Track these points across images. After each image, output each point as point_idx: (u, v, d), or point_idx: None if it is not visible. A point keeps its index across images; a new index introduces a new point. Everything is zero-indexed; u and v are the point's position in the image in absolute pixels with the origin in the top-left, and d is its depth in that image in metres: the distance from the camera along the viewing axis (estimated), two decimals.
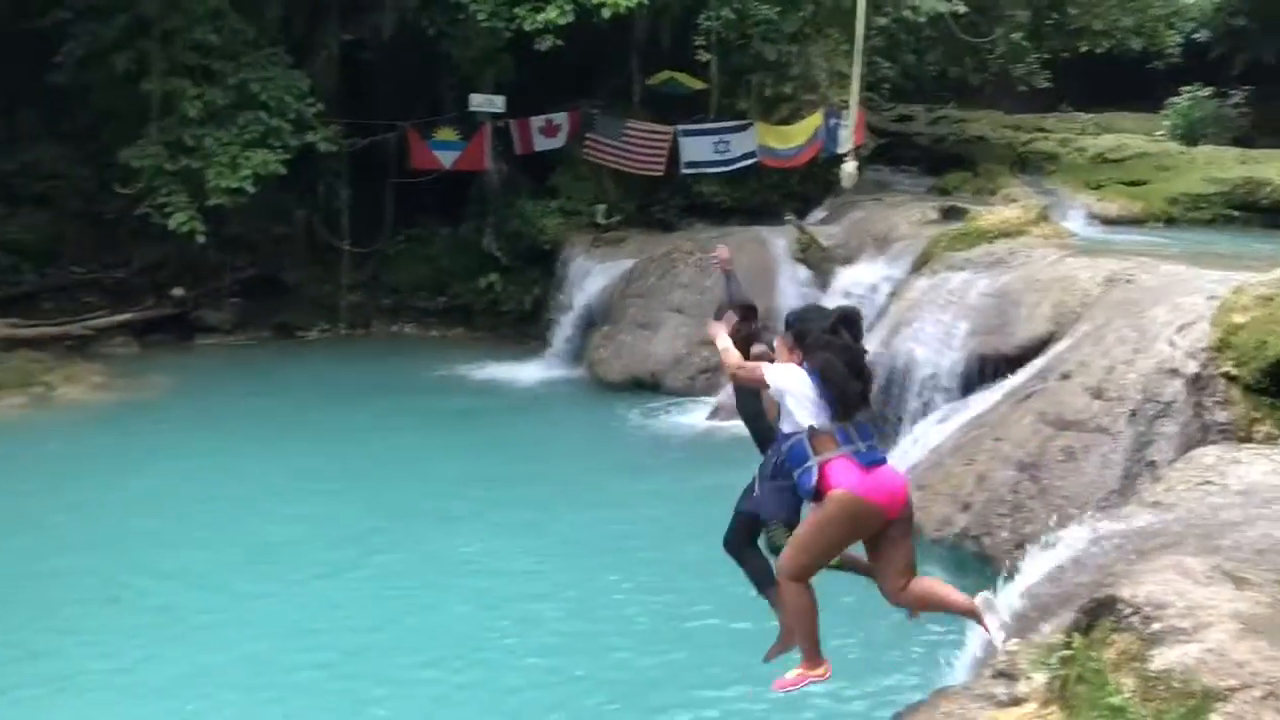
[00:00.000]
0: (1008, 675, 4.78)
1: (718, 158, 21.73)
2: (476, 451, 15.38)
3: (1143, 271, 13.30)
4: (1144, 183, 23.26)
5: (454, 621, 9.98)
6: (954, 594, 5.27)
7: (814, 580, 5.21)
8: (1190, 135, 26.67)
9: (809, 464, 4.67)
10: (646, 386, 18.38)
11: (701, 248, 19.85)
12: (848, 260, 17.95)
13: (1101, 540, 8.18)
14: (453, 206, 22.85)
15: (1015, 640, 5.22)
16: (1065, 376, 11.79)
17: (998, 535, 11.02)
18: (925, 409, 14.14)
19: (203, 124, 19.41)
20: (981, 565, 10.89)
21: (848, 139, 20.58)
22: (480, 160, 22.40)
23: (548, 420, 17.56)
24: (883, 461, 4.76)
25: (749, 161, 21.72)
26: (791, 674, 5.22)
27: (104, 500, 12.96)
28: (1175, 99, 27.68)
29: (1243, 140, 26.31)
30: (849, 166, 20.01)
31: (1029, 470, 11.16)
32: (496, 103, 21.90)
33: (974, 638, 8.46)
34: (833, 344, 4.78)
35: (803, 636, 5.22)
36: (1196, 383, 10.53)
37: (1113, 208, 22.13)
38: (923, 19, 23.42)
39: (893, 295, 16.28)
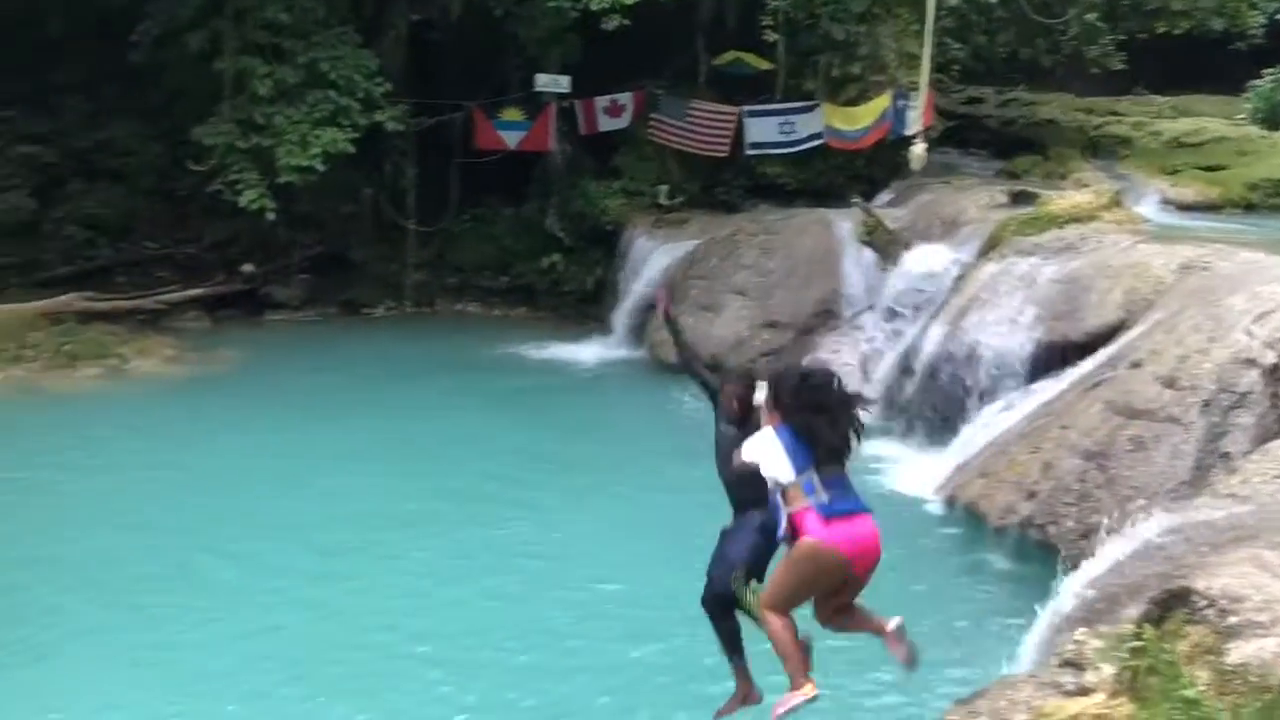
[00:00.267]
0: (1075, 665, 4.71)
1: (783, 139, 21.57)
2: (535, 432, 15.47)
3: (1219, 258, 13.00)
4: (1222, 168, 22.68)
5: (511, 604, 10.06)
6: (874, 618, 5.59)
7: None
8: (1272, 119, 25.90)
9: (780, 514, 4.90)
10: (708, 368, 18.28)
11: (766, 230, 19.77)
12: (914, 244, 17.72)
13: (1172, 531, 8.03)
14: (517, 186, 22.95)
15: (1083, 630, 5.15)
16: (1136, 365, 11.58)
17: (1063, 524, 10.87)
18: (990, 395, 13.97)
19: (273, 102, 19.67)
20: (1044, 554, 10.75)
21: (916, 121, 20.29)
22: (545, 140, 22.46)
23: (607, 401, 17.63)
24: (852, 511, 4.91)
25: (815, 143, 21.52)
26: (783, 697, 5.47)
27: (172, 475, 13.25)
28: (1257, 81, 26.90)
29: None
30: (917, 149, 19.73)
31: (1096, 459, 10.98)
32: (562, 83, 21.93)
33: (1039, 626, 8.41)
34: (795, 403, 4.97)
35: (786, 662, 5.40)
36: (1274, 373, 10.29)
37: (1189, 193, 21.61)
38: None
39: (959, 280, 16.07)
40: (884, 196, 21.39)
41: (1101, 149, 25.04)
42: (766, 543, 5.45)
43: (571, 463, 14.10)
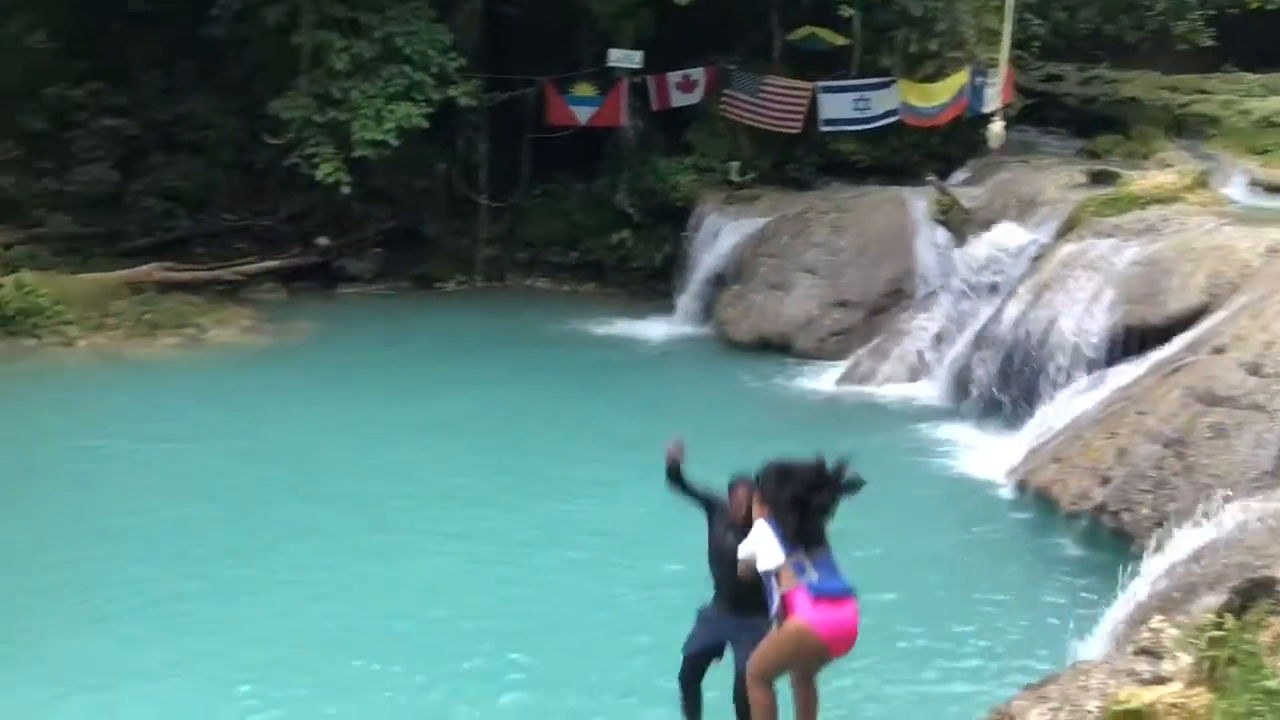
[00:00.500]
0: (1152, 653, 4.62)
1: (858, 115, 21.30)
2: (602, 408, 15.50)
3: None
4: None
5: (575, 580, 10.08)
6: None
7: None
8: None
9: (774, 595, 5.25)
10: (775, 347, 18.23)
11: (838, 207, 19.56)
12: (990, 223, 17.42)
13: (1254, 521, 7.83)
14: (588, 162, 22.97)
15: (1160, 618, 5.03)
16: (1218, 350, 11.28)
17: (1138, 511, 10.64)
18: (1065, 379, 13.72)
19: (349, 77, 19.88)
20: (1117, 541, 10.56)
21: (994, 98, 19.90)
22: (616, 116, 22.43)
23: (673, 379, 17.59)
24: (840, 594, 5.21)
25: (890, 120, 21.23)
26: None
27: (245, 446, 13.51)
28: None
29: None
30: (995, 127, 19.36)
31: (1174, 446, 10.73)
32: (634, 58, 21.86)
33: (1113, 614, 8.26)
34: (779, 495, 5.45)
35: None
36: None
37: (1278, 174, 20.92)
38: None
39: (1036, 261, 15.77)
40: (960, 175, 21.04)
41: (1187, 128, 24.31)
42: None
43: (637, 439, 14.03)
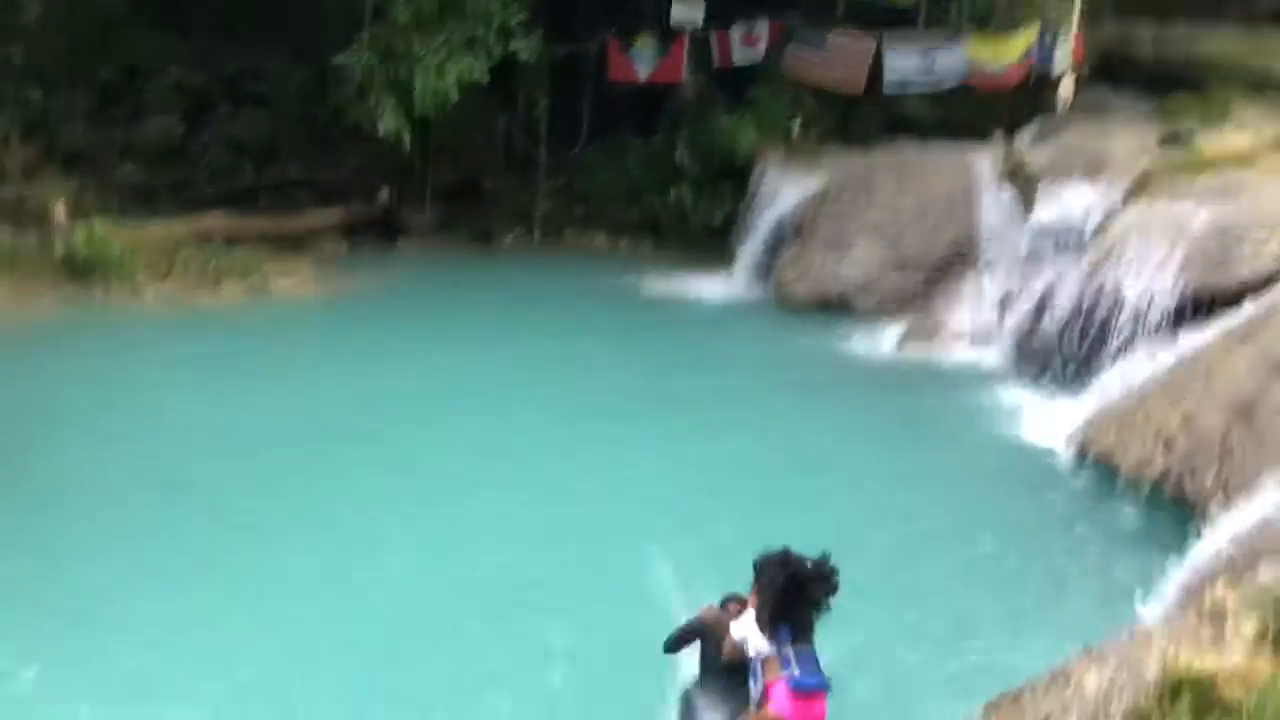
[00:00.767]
0: (1214, 619, 4.57)
1: (923, 73, 20.91)
2: (656, 365, 15.51)
3: None
4: None
5: (626, 535, 10.02)
6: None
7: None
8: None
9: (759, 681, 5.55)
10: (834, 308, 18.09)
11: (901, 167, 19.29)
12: (1057, 185, 17.07)
13: None
14: (648, 118, 22.83)
15: (1224, 584, 4.98)
16: None
17: (1201, 479, 10.49)
18: (1130, 344, 13.50)
19: (412, 30, 19.88)
20: (1179, 509, 10.44)
21: (1065, 57, 19.46)
22: (677, 72, 22.23)
23: (729, 338, 17.53)
24: (815, 690, 5.39)
25: (956, 78, 20.81)
26: None
27: (303, 396, 13.72)
28: None
29: None
30: (1065, 85, 18.95)
31: (1242, 414, 10.55)
32: (697, 14, 21.62)
33: (1173, 581, 8.18)
34: (769, 590, 5.66)
35: None
36: None
37: None
38: None
39: (1104, 223, 15.45)
40: (1027, 135, 20.59)
41: (1269, 88, 23.55)
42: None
43: (690, 397, 14.13)
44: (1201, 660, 4.03)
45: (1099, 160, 17.19)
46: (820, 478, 11.61)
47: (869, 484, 11.40)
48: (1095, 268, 14.37)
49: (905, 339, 16.70)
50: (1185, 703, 3.79)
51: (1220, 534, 8.40)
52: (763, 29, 21.89)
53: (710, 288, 19.88)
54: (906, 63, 20.92)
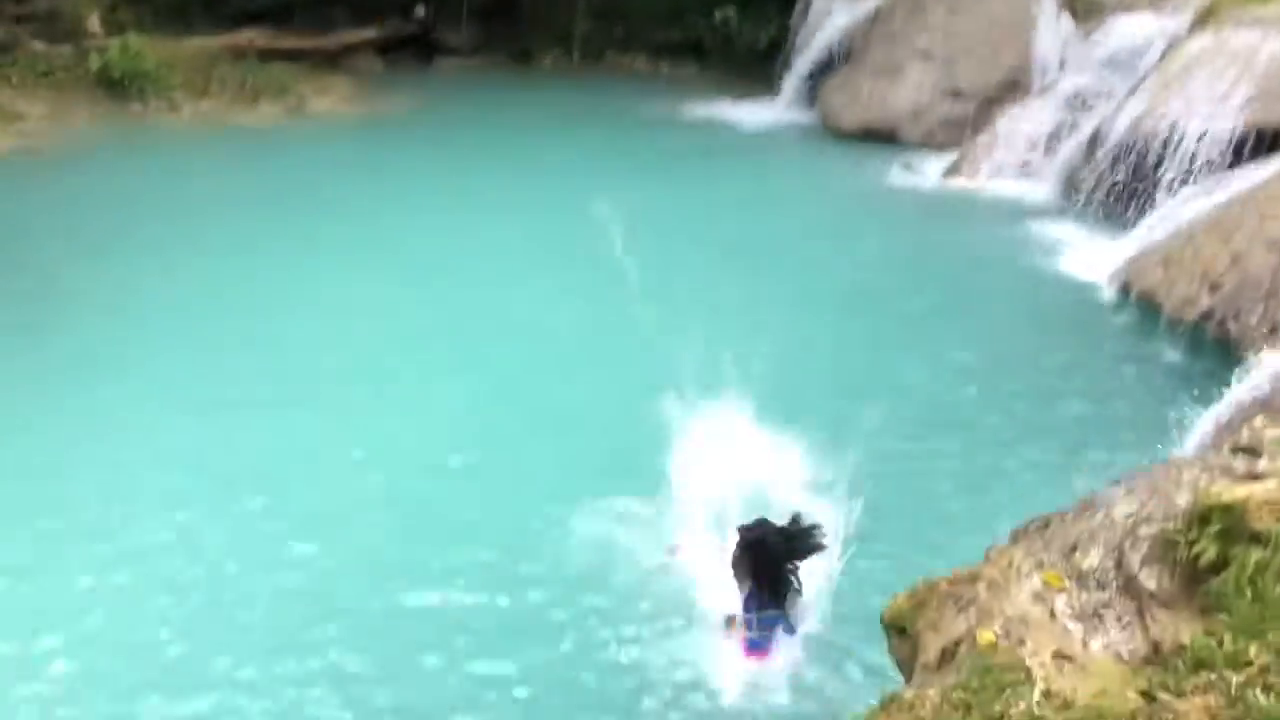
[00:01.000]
0: (1249, 451, 4.56)
1: None
2: (697, 195, 15.27)
3: None
4: None
5: (658, 367, 10.09)
6: None
7: None
8: None
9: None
10: (881, 137, 17.68)
11: None
12: (1119, 12, 16.34)
13: None
14: None
15: (1262, 417, 4.95)
16: None
17: (1246, 320, 10.35)
18: (1182, 180, 13.15)
19: None
20: (1220, 349, 10.35)
21: None
22: None
23: (772, 167, 17.22)
24: (764, 646, 6.26)
25: None
26: None
27: (338, 216, 13.74)
28: None
29: None
30: None
31: None
32: None
33: (1210, 417, 8.18)
34: (738, 550, 6.44)
35: None
36: None
37: None
38: None
39: (1165, 54, 14.83)
40: None
41: None
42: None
43: (728, 225, 13.99)
44: (1233, 490, 4.03)
45: None
46: (860, 309, 11.58)
47: (908, 316, 11.36)
48: (1154, 99, 13.87)
49: (952, 170, 16.35)
50: (1214, 530, 3.81)
51: (1261, 373, 8.34)
52: None
53: (753, 114, 19.44)
54: None
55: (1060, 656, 3.68)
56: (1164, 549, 3.93)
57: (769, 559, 6.32)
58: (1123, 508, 4.45)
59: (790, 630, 6.35)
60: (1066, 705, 3.30)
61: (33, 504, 7.65)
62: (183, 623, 6.64)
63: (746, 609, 6.36)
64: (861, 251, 13.11)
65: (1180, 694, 3.07)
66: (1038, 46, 17.17)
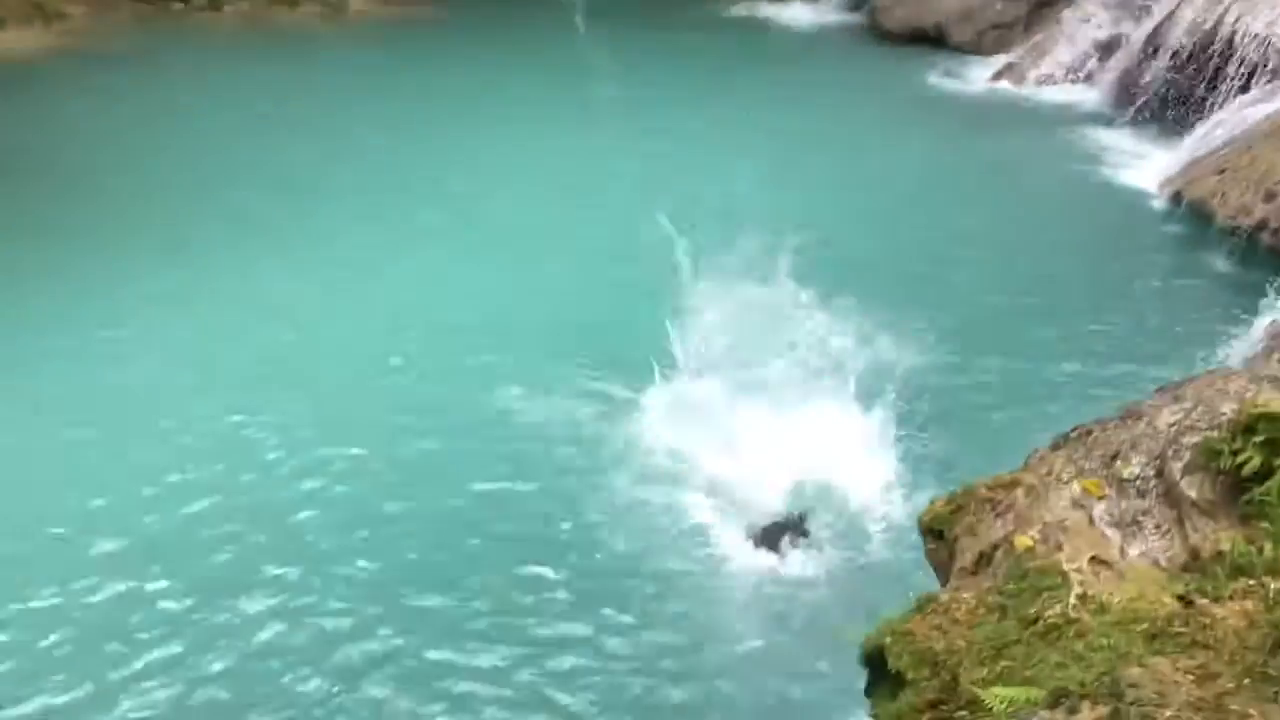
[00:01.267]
0: None
1: None
2: (738, 98, 14.97)
3: None
4: None
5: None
6: None
7: None
8: None
9: None
10: (929, 40, 17.23)
11: None
12: None
13: None
14: None
15: None
16: None
17: None
18: (1242, 87, 12.75)
19: None
20: (1272, 260, 10.16)
21: None
22: None
23: (816, 70, 16.81)
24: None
25: None
26: None
27: (375, 114, 13.74)
28: None
29: None
30: None
31: None
32: None
33: (1258, 328, 8.07)
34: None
35: None
36: None
37: None
38: None
39: None
40: None
41: None
42: None
43: (772, 130, 13.75)
44: (1278, 400, 3.99)
45: None
46: (905, 215, 11.43)
47: (956, 222, 11.21)
48: (1212, 3, 13.40)
49: (1002, 74, 15.96)
50: (1259, 439, 3.78)
51: None
52: None
53: (798, 14, 18.96)
54: None
55: (1097, 562, 3.70)
56: (1206, 457, 3.92)
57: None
58: (1166, 416, 4.42)
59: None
60: (1102, 609, 3.33)
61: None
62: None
63: None
64: (907, 157, 12.91)
65: (1218, 599, 3.09)
66: None
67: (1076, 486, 4.20)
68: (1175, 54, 13.84)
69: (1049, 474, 4.36)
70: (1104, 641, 3.06)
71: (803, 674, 5.87)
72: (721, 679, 5.89)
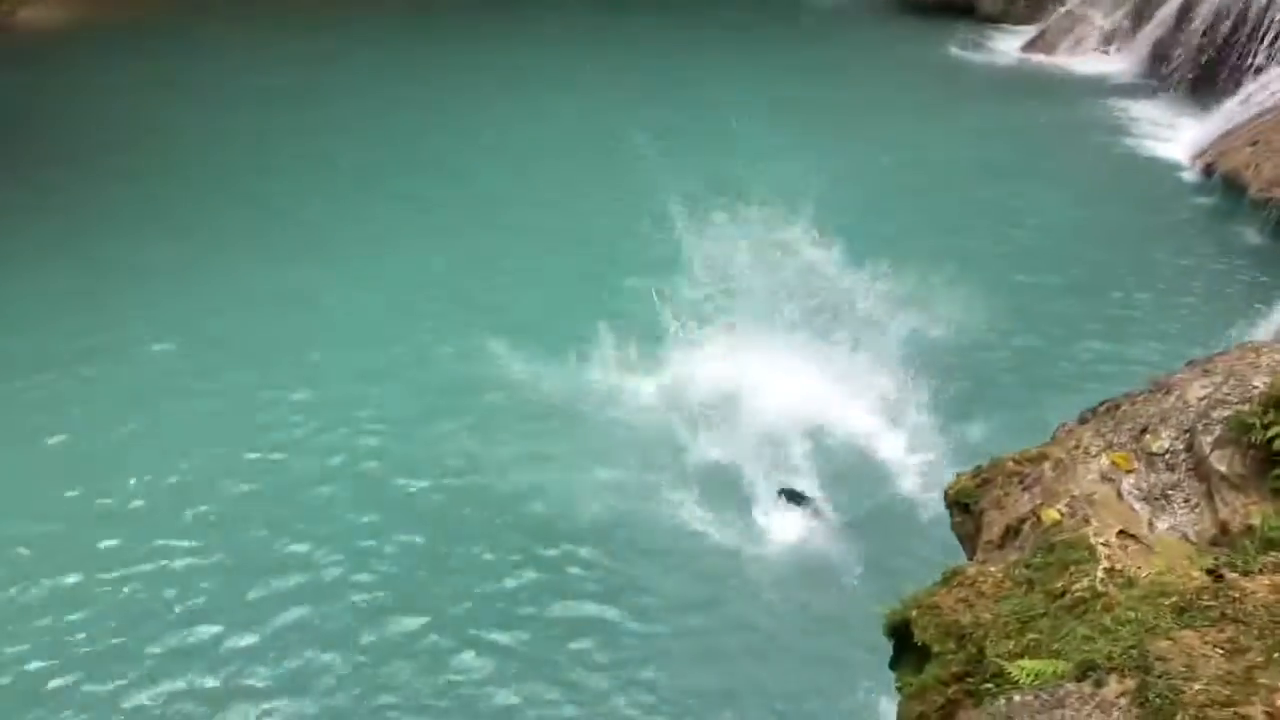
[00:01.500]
0: None
1: None
2: (762, 68, 14.91)
3: None
4: None
5: (707, 230, 9.94)
6: None
7: None
8: None
9: None
10: (957, 8, 17.04)
11: None
12: None
13: None
14: None
15: None
16: None
17: None
18: (1277, 56, 12.54)
19: None
20: None
21: None
22: None
23: (843, 40, 16.65)
24: None
25: None
26: None
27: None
28: None
29: None
30: None
31: None
32: None
33: None
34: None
35: None
36: None
37: None
38: None
39: None
40: None
41: None
42: None
43: (800, 104, 13.65)
44: None
45: None
46: (934, 186, 11.34)
47: (983, 194, 11.10)
48: None
49: (1032, 44, 15.77)
50: None
51: None
52: None
53: None
54: None
55: (1125, 535, 3.67)
56: (1237, 431, 3.87)
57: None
58: (1196, 390, 4.38)
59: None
60: (1130, 583, 3.31)
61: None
62: None
63: None
64: (936, 127, 12.81)
65: (1248, 573, 3.06)
66: None
67: (1105, 460, 4.16)
68: (1209, 23, 13.63)
69: (1077, 447, 4.32)
70: (1131, 615, 3.04)
71: (820, 651, 5.85)
72: (741, 656, 5.89)
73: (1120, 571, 3.43)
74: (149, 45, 14.77)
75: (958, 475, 4.46)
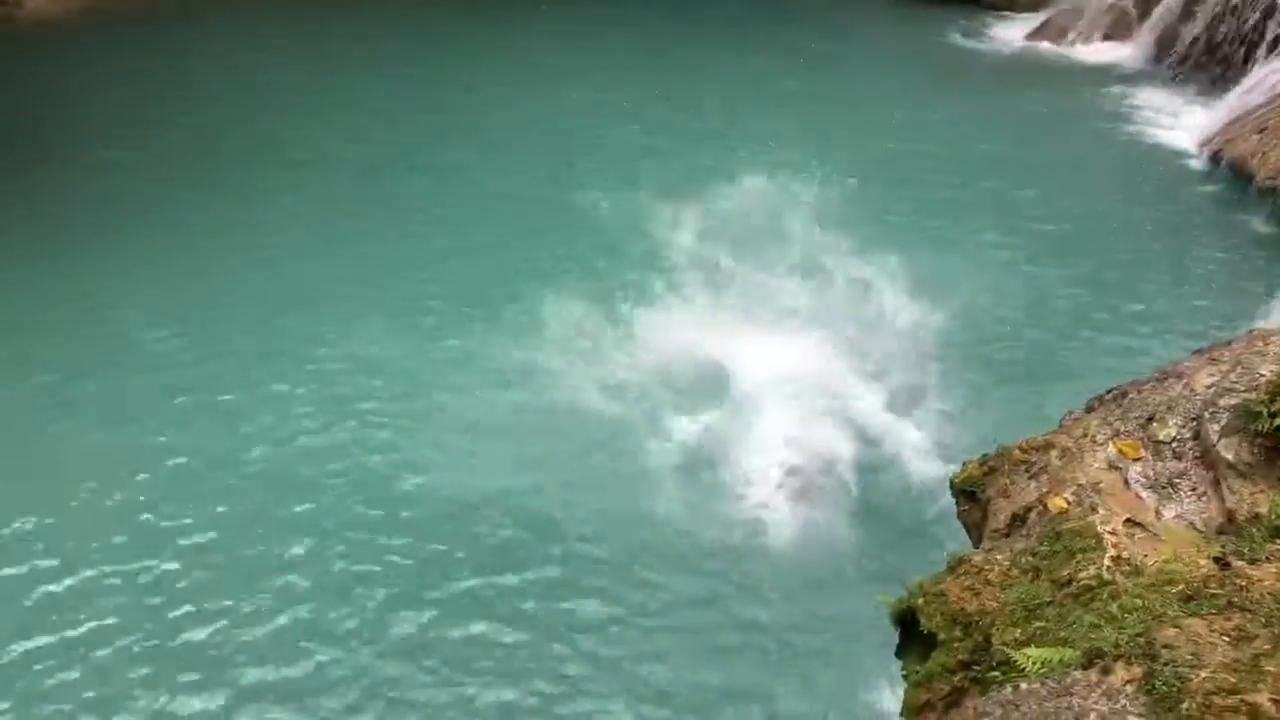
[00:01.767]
0: None
1: None
2: (764, 59, 14.80)
3: None
4: None
5: (712, 208, 10.02)
6: None
7: None
8: None
9: None
10: None
11: None
12: None
13: None
14: None
15: None
16: None
17: None
18: None
19: None
20: None
21: None
22: None
23: (845, 27, 16.55)
24: None
25: None
26: None
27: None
28: None
29: None
30: None
31: None
32: None
33: None
34: None
35: None
36: None
37: None
38: None
39: None
40: None
41: None
42: None
43: (804, 95, 13.60)
44: None
45: None
46: (938, 175, 11.31)
47: (989, 183, 11.06)
48: None
49: (1037, 32, 15.71)
50: None
51: None
52: None
53: None
54: None
55: (1132, 524, 3.67)
56: (1244, 419, 3.87)
57: None
58: (1203, 378, 4.37)
59: None
60: (1137, 571, 3.31)
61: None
62: None
63: None
64: (941, 116, 12.77)
65: (1255, 561, 3.06)
66: None
67: (1112, 448, 4.16)
68: (1216, 11, 13.58)
69: (1084, 435, 4.32)
70: (1138, 603, 3.04)
71: (823, 644, 5.86)
72: (747, 631, 5.92)
73: (1127, 559, 3.43)
74: (156, 36, 14.73)
75: (964, 463, 4.47)
